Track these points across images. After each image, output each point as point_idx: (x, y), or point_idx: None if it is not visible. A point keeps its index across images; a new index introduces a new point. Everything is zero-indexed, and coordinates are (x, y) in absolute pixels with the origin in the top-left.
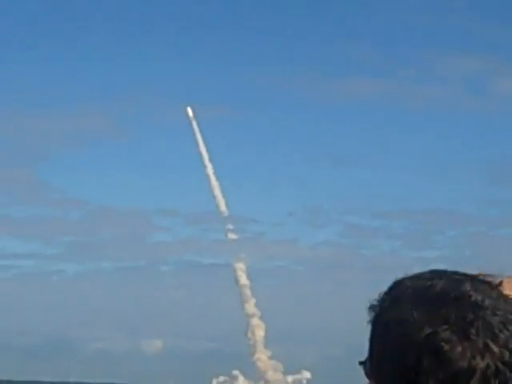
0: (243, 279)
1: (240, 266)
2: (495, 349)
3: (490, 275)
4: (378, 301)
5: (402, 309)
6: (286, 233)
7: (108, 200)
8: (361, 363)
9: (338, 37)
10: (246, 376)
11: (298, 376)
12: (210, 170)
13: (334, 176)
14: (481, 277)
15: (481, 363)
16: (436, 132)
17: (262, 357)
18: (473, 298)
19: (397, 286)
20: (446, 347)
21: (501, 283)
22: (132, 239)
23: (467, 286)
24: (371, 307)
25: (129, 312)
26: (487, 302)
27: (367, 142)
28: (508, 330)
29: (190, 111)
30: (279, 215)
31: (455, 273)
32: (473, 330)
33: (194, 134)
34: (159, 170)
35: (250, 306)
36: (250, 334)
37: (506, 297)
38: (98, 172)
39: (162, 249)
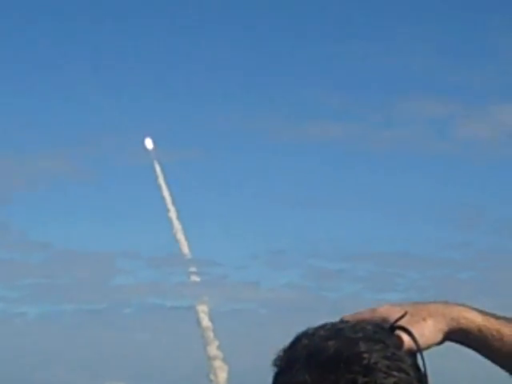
0: (205, 321)
1: (202, 309)
2: None
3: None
4: (277, 359)
5: (294, 373)
6: (248, 275)
7: (70, 243)
8: None
9: (301, 80)
10: None
11: None
12: (172, 213)
13: (296, 218)
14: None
15: None
16: (400, 175)
17: None
18: (364, 361)
19: (295, 344)
20: None
21: (405, 314)
22: (94, 282)
23: (361, 347)
24: (273, 362)
25: (91, 355)
26: (381, 363)
27: (331, 184)
28: None
29: (149, 143)
30: (242, 258)
31: (356, 330)
32: None
33: (156, 177)
34: (121, 213)
35: (213, 349)
36: (212, 377)
37: (406, 350)
38: (59, 215)
39: (124, 291)
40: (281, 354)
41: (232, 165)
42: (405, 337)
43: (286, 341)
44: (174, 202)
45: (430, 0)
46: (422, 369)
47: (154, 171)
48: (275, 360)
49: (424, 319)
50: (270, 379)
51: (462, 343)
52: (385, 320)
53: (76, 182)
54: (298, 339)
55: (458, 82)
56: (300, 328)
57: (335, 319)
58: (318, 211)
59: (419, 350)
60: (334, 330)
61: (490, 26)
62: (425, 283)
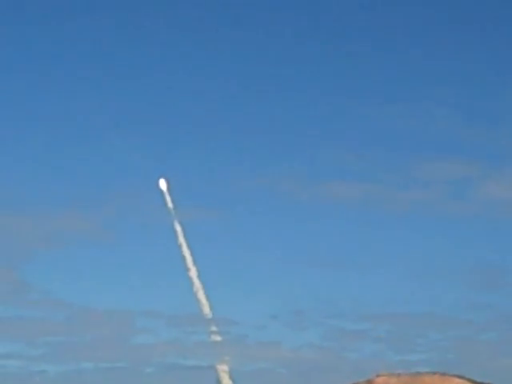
0: (226, 381)
1: (223, 368)
2: None
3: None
4: None
5: None
6: (268, 335)
7: (91, 301)
8: None
9: (322, 140)
10: None
11: None
12: (193, 272)
13: (317, 279)
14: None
15: None
16: (419, 236)
17: None
18: None
19: None
20: None
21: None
22: (115, 340)
23: None
24: None
25: None
26: None
27: (351, 245)
28: None
29: (169, 202)
30: (262, 317)
31: None
32: None
33: (176, 237)
34: (143, 272)
35: None
36: None
37: None
38: (81, 274)
39: (144, 350)
40: None
41: (252, 225)
42: None
43: None
44: (194, 262)
45: (450, 64)
46: None
47: (175, 230)
48: None
49: None
50: None
51: None
52: None
53: (98, 241)
54: None
55: (477, 143)
56: None
57: (356, 380)
58: (338, 271)
59: None
60: None
61: (507, 90)
62: (446, 344)
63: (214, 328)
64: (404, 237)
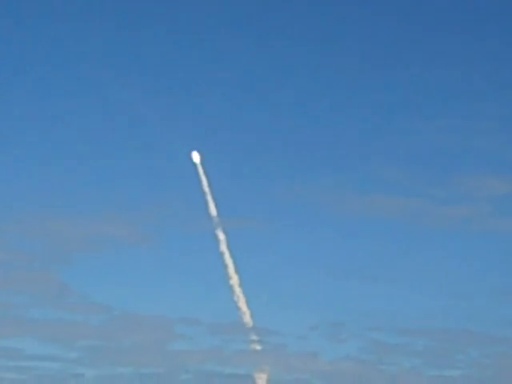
0: None
1: (261, 377)
2: None
3: None
4: None
5: None
6: (307, 346)
7: (130, 306)
8: None
9: (365, 154)
10: None
11: None
12: (235, 281)
13: (357, 292)
14: None
15: None
16: (461, 251)
17: None
18: None
19: None
20: None
21: None
22: (153, 346)
23: None
24: None
25: None
26: None
27: (392, 258)
28: None
29: (213, 210)
30: (301, 328)
31: None
32: None
33: (219, 244)
34: (183, 279)
35: None
36: None
37: None
38: (121, 278)
39: (182, 357)
40: None
41: (294, 236)
42: None
43: None
44: (236, 270)
45: (494, 79)
46: None
47: (217, 239)
48: None
49: None
50: None
51: None
52: None
53: (138, 246)
54: None
55: None
56: None
57: None
58: (378, 285)
59: None
60: None
61: None
62: (485, 361)
63: (253, 337)
64: (445, 252)
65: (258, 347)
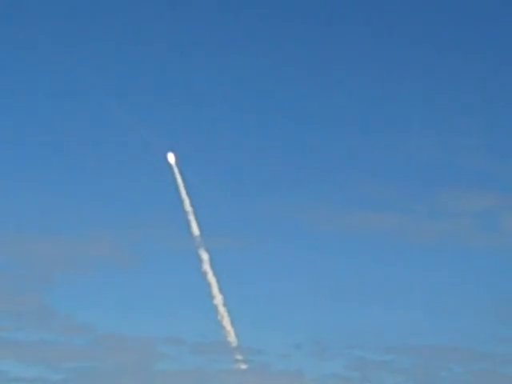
0: None
1: None
2: None
3: None
4: None
5: None
6: (292, 364)
7: (114, 327)
8: None
9: (351, 170)
10: None
11: None
12: (218, 300)
13: (341, 310)
14: None
15: None
16: (446, 267)
17: None
18: None
19: None
20: None
21: None
22: (137, 366)
23: None
24: None
25: None
26: None
27: (374, 276)
28: None
29: (195, 229)
30: (286, 347)
31: None
32: None
33: (201, 264)
34: (166, 298)
35: None
36: None
37: None
38: (104, 299)
39: (166, 377)
40: None
41: (278, 254)
42: None
43: None
44: (220, 289)
45: (478, 95)
46: None
47: (200, 258)
48: None
49: None
50: None
51: None
52: None
53: (121, 266)
54: None
55: (506, 175)
56: None
57: None
58: (362, 303)
59: None
60: None
61: None
62: (468, 378)
63: (238, 356)
64: (430, 268)
65: (243, 366)
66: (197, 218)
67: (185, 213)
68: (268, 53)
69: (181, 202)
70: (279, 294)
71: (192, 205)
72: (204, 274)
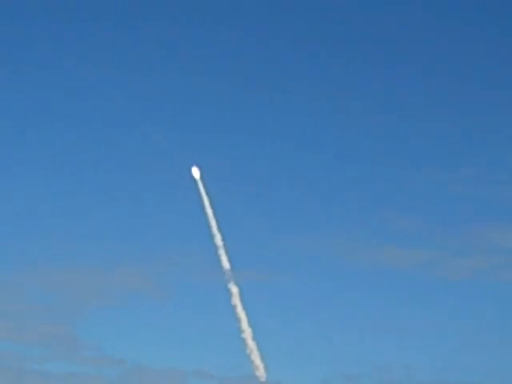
0: None
1: None
2: None
3: None
4: None
5: None
6: None
7: (144, 359)
8: None
9: (380, 204)
10: None
11: None
12: (248, 333)
13: (370, 344)
14: None
15: None
16: (478, 304)
17: None
18: None
19: None
20: None
21: None
22: None
23: None
24: None
25: None
26: None
27: (405, 312)
28: None
29: (225, 263)
30: (314, 382)
31: None
32: None
33: (231, 297)
34: (196, 331)
35: None
36: None
37: None
38: (133, 331)
39: None
40: None
41: (308, 288)
42: None
43: None
44: (249, 323)
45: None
46: None
47: (230, 291)
48: None
49: None
50: None
51: None
52: None
53: (151, 299)
54: None
55: None
56: None
57: None
58: (393, 337)
59: None
60: None
61: None
62: None
63: None
64: (462, 305)
65: None
66: (227, 252)
67: (215, 247)
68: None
69: (211, 236)
70: (308, 329)
71: (223, 239)
72: (233, 308)
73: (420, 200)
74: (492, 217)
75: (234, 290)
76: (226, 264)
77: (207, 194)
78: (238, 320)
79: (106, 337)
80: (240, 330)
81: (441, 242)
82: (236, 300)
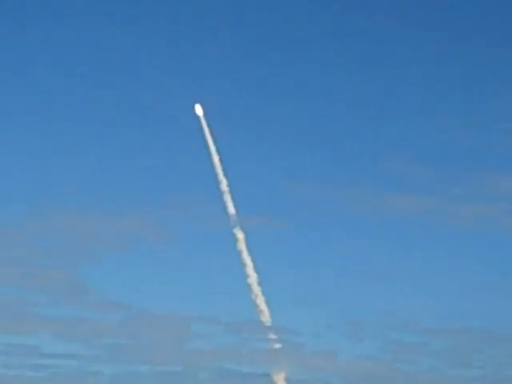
0: None
1: (279, 376)
2: None
3: None
4: None
5: None
6: (325, 345)
7: (149, 305)
8: None
9: (378, 153)
10: None
11: None
12: (253, 278)
13: (375, 291)
14: None
15: None
16: (480, 251)
17: None
18: None
19: None
20: None
21: None
22: (170, 344)
23: None
24: None
25: None
26: None
27: (409, 258)
28: None
29: (231, 209)
30: (319, 327)
31: None
32: None
33: (237, 243)
34: (201, 277)
35: None
36: None
37: None
38: (138, 276)
39: (200, 355)
40: None
41: (313, 234)
42: None
43: None
44: (255, 268)
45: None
46: None
47: (235, 237)
48: None
49: None
50: None
51: None
52: None
53: (157, 245)
54: None
55: None
56: None
57: None
58: (397, 284)
59: None
60: None
61: None
62: (504, 360)
63: (271, 336)
64: (465, 251)
65: (276, 346)
66: (233, 198)
67: (221, 192)
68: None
69: (218, 181)
70: (313, 275)
71: (228, 184)
72: (239, 253)
73: (420, 146)
74: (494, 163)
75: (240, 235)
76: (231, 209)
77: (211, 134)
78: (243, 265)
79: (110, 282)
80: (245, 276)
81: (443, 188)
82: (242, 245)
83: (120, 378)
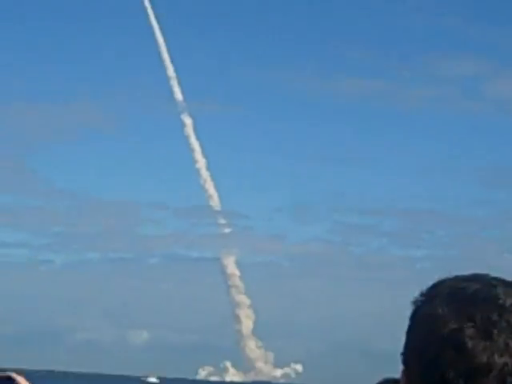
0: (232, 269)
1: (229, 260)
2: None
3: None
4: (418, 297)
5: (434, 305)
6: (274, 228)
7: (97, 192)
8: (401, 354)
9: (335, 38)
10: (236, 367)
11: (288, 369)
12: (201, 164)
13: (323, 174)
14: None
15: (499, 361)
16: (429, 133)
17: (251, 345)
18: (500, 301)
19: (436, 285)
20: (469, 343)
21: None
22: (120, 231)
23: (499, 290)
24: (413, 302)
25: (116, 303)
26: None
27: (359, 141)
28: None
29: (178, 94)
30: (268, 211)
31: (495, 278)
32: (495, 330)
33: (184, 128)
34: (150, 164)
35: (239, 295)
36: (237, 325)
37: None
38: (87, 164)
39: (150, 241)
40: (423, 292)
41: (260, 120)
42: None
43: (310, 294)
44: (203, 154)
45: None
46: None
47: (183, 123)
48: (416, 298)
49: None
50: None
51: None
52: None
53: (105, 132)
54: (441, 281)
55: (491, 41)
56: (327, 282)
57: (361, 274)
58: (345, 167)
59: None
60: (478, 276)
61: None
62: (450, 240)
63: (221, 220)
64: (414, 133)
65: (226, 230)
66: (180, 84)
67: (168, 78)
68: None
69: (164, 68)
70: (263, 159)
71: (175, 71)
72: (187, 139)
73: (369, 32)
74: (441, 47)
75: (188, 121)
76: (178, 95)
77: (158, 22)
78: (191, 151)
79: (58, 170)
80: (194, 161)
81: (396, 72)
82: (189, 131)
83: (71, 266)
